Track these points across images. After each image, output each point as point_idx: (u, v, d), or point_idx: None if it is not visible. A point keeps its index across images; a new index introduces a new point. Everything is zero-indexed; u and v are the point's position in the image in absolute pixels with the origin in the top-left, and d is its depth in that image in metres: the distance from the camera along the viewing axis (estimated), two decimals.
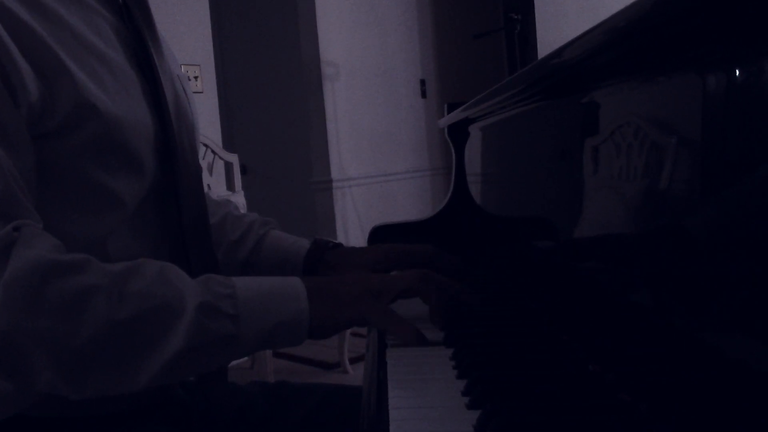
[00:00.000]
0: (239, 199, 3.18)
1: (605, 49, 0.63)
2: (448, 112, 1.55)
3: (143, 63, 0.87)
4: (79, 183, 0.77)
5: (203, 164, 3.11)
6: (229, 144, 4.23)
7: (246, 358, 3.36)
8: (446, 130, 1.59)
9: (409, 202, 4.59)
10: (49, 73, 0.73)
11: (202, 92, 3.47)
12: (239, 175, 3.26)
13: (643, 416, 0.51)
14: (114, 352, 0.67)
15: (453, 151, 1.58)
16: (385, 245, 1.04)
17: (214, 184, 3.14)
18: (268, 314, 0.73)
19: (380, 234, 1.49)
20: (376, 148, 4.43)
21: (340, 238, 4.13)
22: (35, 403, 0.78)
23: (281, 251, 1.07)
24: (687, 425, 0.48)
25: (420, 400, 0.59)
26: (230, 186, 3.24)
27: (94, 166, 0.77)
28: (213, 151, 3.13)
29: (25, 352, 0.65)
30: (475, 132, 1.47)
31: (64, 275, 0.67)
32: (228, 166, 3.22)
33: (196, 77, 3.43)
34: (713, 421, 0.46)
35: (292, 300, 0.74)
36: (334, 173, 4.15)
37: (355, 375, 3.14)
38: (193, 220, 0.89)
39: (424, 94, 4.78)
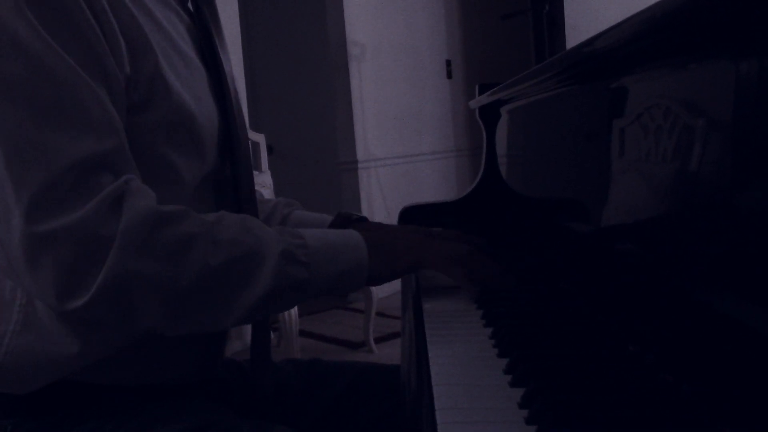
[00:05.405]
0: (266, 179, 3.19)
1: (640, 38, 0.64)
2: (480, 94, 1.55)
3: (209, 61, 0.92)
4: (148, 156, 0.81)
5: None
6: (255, 124, 4.25)
7: (272, 336, 3.40)
8: (477, 111, 1.59)
9: (435, 182, 4.59)
10: (138, 50, 0.79)
11: None
12: (266, 155, 3.28)
13: (687, 397, 0.52)
14: (210, 293, 0.75)
15: (484, 132, 1.58)
16: (412, 226, 1.05)
17: None
18: (334, 263, 0.80)
19: (410, 214, 1.49)
20: (402, 129, 4.43)
21: None
22: (85, 368, 0.80)
23: (306, 225, 1.10)
24: (731, 404, 0.49)
25: (462, 378, 0.60)
26: (257, 165, 3.25)
27: (163, 143, 0.82)
28: None
29: (135, 292, 0.71)
30: (505, 114, 1.47)
31: (169, 224, 0.74)
32: (254, 146, 3.24)
33: None
34: (758, 400, 0.46)
35: (353, 250, 0.82)
36: (360, 154, 4.15)
37: (380, 354, 3.16)
38: (248, 209, 0.93)
39: (449, 75, 4.76)
